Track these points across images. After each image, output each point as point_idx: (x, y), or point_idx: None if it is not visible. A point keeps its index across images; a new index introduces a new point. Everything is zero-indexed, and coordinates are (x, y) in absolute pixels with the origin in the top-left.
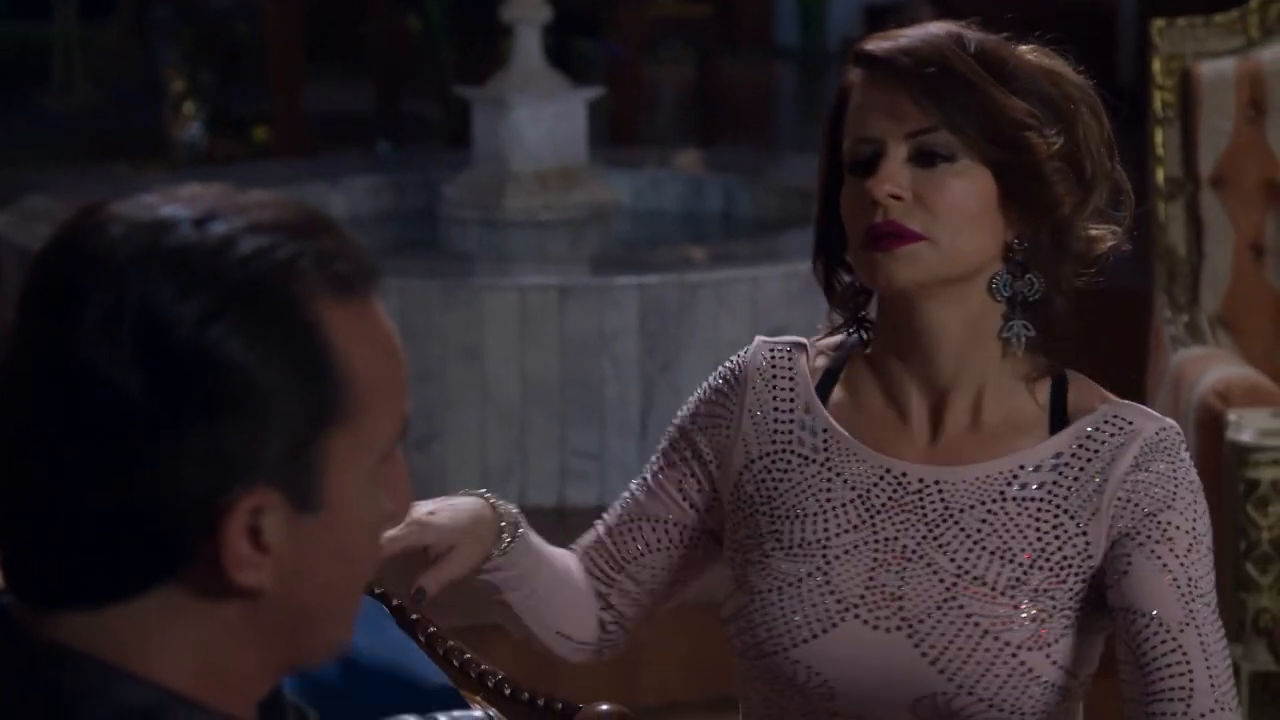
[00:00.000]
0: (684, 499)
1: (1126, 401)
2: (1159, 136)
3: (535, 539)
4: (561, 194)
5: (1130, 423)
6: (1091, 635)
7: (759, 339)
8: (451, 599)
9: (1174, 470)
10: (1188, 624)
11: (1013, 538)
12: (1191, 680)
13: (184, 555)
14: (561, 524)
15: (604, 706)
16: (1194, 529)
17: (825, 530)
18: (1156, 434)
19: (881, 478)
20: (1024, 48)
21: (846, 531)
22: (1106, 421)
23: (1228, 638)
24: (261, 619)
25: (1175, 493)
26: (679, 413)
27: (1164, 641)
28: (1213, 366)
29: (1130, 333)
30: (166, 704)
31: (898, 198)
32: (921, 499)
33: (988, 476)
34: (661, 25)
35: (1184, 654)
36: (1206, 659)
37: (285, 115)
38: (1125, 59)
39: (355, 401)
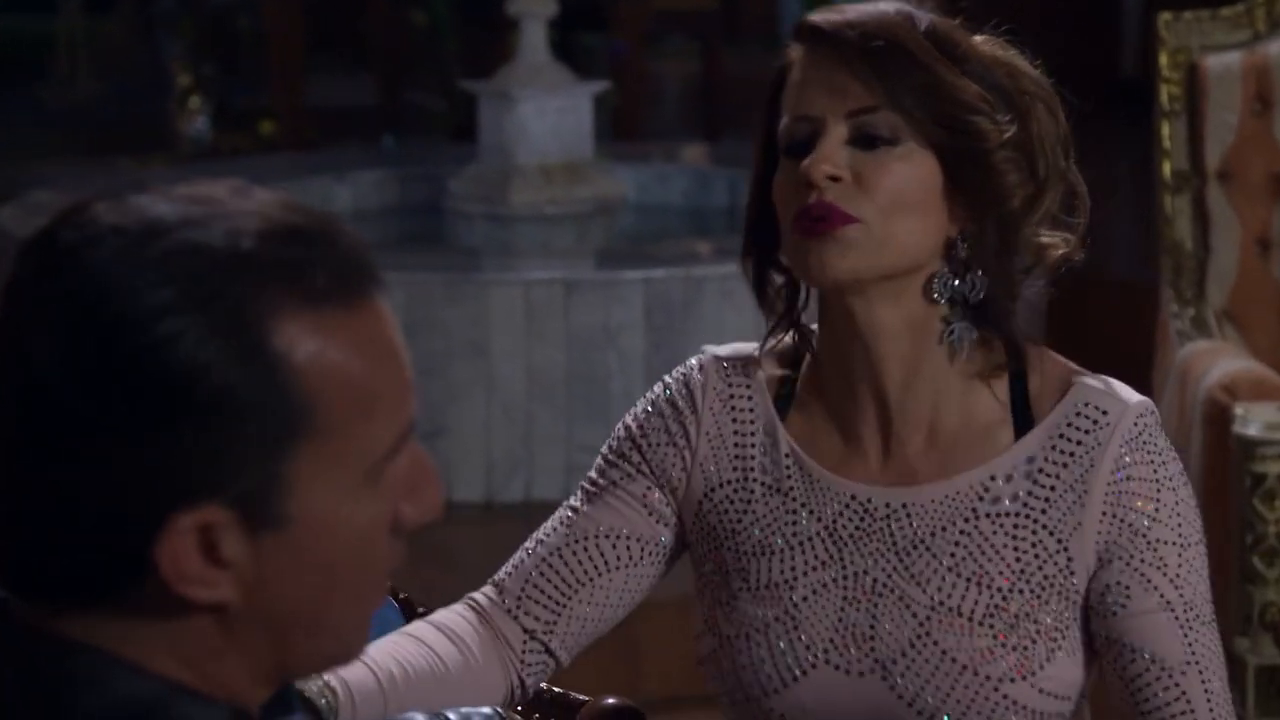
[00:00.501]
0: (649, 511)
1: (1092, 380)
2: (1165, 130)
3: (359, 692)
4: (567, 188)
5: (1105, 413)
6: (1079, 654)
7: (709, 353)
8: (457, 589)
9: (1155, 470)
10: (1190, 662)
11: (989, 560)
12: (1194, 718)
13: (135, 566)
14: None
15: (610, 700)
16: (1181, 535)
17: (792, 569)
18: (1134, 425)
19: (846, 505)
20: (979, 37)
21: (815, 569)
22: (1079, 414)
23: (1234, 632)
24: (235, 631)
25: (1159, 498)
26: (625, 426)
27: (1167, 688)
28: (1219, 360)
29: (1137, 327)
30: (168, 694)
31: (835, 179)
32: (889, 525)
33: (957, 493)
34: (665, 19)
35: (1187, 699)
36: (1208, 694)
37: (286, 109)
38: (1129, 52)
39: (323, 417)
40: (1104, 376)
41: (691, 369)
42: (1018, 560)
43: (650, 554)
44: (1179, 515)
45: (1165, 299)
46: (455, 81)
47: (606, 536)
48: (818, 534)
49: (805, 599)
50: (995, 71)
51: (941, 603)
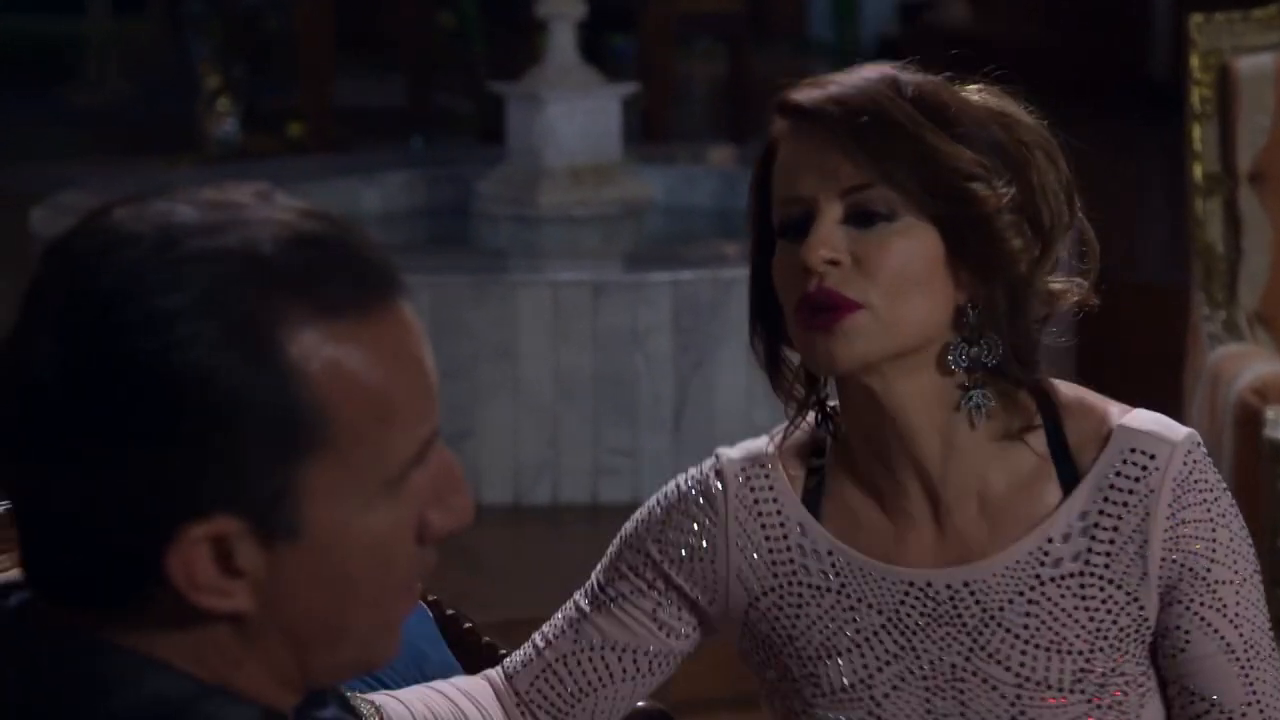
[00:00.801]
0: (660, 628)
1: (1131, 420)
2: (1196, 132)
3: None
4: (595, 190)
5: (1153, 456)
6: (1159, 691)
7: (724, 457)
8: (485, 592)
9: (1209, 509)
10: (1250, 703)
11: (1064, 626)
12: None
13: (148, 574)
14: (594, 521)
15: (641, 704)
16: (1238, 572)
17: (865, 667)
18: (1184, 465)
19: (907, 593)
20: (970, 89)
21: (888, 664)
22: (1125, 460)
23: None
24: (254, 640)
25: (1215, 537)
26: (637, 536)
27: None
28: (1250, 364)
29: (1167, 330)
30: (200, 693)
31: (834, 262)
32: (955, 607)
33: (1017, 562)
34: (693, 20)
35: None
36: None
37: (315, 110)
38: (1159, 54)
39: (337, 428)
40: (1140, 412)
41: (708, 477)
42: (1091, 620)
43: (659, 665)
44: (1234, 552)
45: (1196, 302)
46: (483, 83)
47: (613, 649)
48: (882, 627)
49: (887, 695)
50: (989, 128)
51: (1028, 678)
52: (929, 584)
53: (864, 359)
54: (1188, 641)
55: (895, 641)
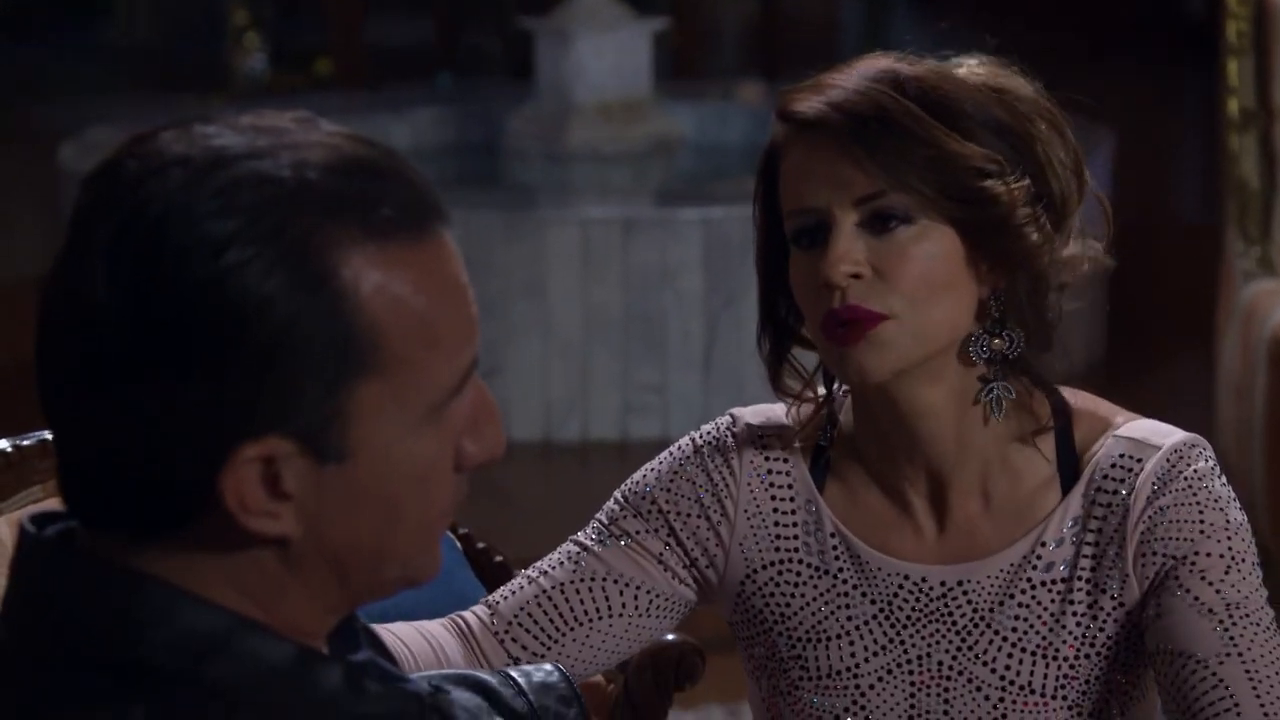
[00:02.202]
0: (666, 570)
1: (1129, 429)
2: (1232, 67)
3: None
4: (625, 127)
5: (1138, 460)
6: (1153, 692)
7: (741, 421)
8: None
9: (1194, 495)
10: (1228, 654)
11: (1051, 631)
12: (1240, 715)
13: (199, 498)
14: (624, 458)
15: (671, 637)
16: (1230, 549)
17: (853, 656)
18: (1165, 462)
19: (901, 586)
20: (967, 64)
21: (876, 654)
22: (1114, 465)
23: None
24: (298, 565)
25: (1202, 519)
26: (647, 485)
27: (1203, 679)
28: None
29: (1199, 270)
30: (235, 627)
31: (855, 275)
32: (948, 605)
33: (1011, 565)
34: None
35: (1227, 688)
36: (1254, 685)
37: (344, 48)
38: None
39: (387, 353)
40: (1142, 421)
41: (724, 437)
42: (1079, 626)
43: (661, 608)
44: (1225, 532)
45: (1230, 238)
46: (512, 20)
47: (615, 581)
48: (874, 617)
49: (873, 686)
50: (993, 110)
51: (1012, 681)
52: (924, 579)
53: (896, 368)
54: (1160, 606)
55: (885, 633)
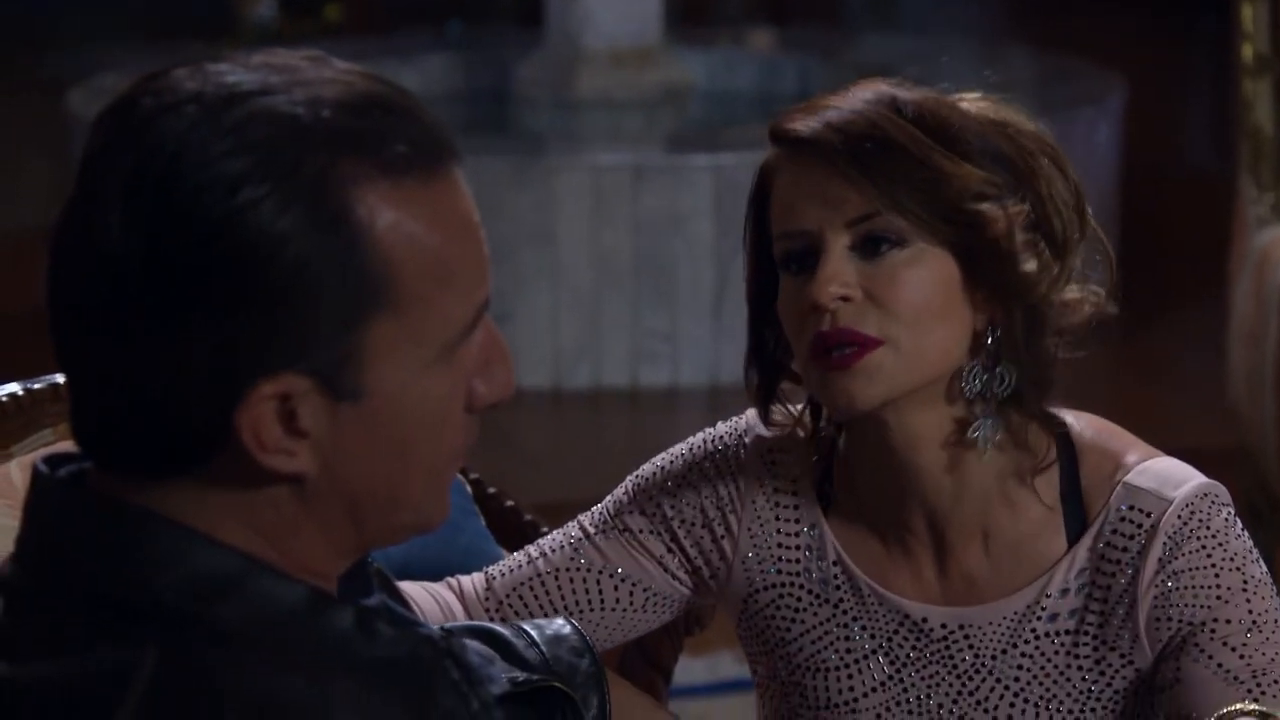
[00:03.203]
0: (665, 570)
1: (1140, 475)
2: (1247, 12)
3: None
4: (635, 74)
5: (1148, 514)
6: None
7: (753, 432)
8: (525, 475)
9: (1208, 556)
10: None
11: (1055, 683)
12: None
13: (216, 436)
14: (634, 405)
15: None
16: (1250, 610)
17: (851, 690)
18: (1178, 519)
19: (901, 624)
20: (969, 98)
21: (875, 690)
22: (1123, 519)
23: None
24: (312, 504)
25: (1218, 583)
26: (655, 484)
27: None
28: None
29: (1211, 218)
30: (246, 568)
31: (845, 298)
32: (948, 648)
33: (1015, 613)
34: None
35: None
36: None
37: None
38: None
39: (401, 290)
40: (1155, 462)
41: (736, 449)
42: (1084, 680)
43: (657, 604)
44: (1243, 593)
45: (1243, 185)
46: None
47: (611, 576)
48: (873, 652)
49: None
50: (993, 140)
51: None
52: (924, 619)
53: (885, 397)
54: (1180, 671)
55: (884, 669)
